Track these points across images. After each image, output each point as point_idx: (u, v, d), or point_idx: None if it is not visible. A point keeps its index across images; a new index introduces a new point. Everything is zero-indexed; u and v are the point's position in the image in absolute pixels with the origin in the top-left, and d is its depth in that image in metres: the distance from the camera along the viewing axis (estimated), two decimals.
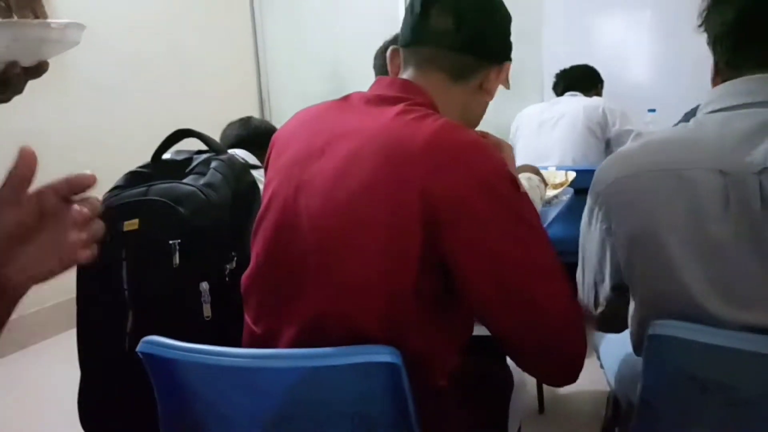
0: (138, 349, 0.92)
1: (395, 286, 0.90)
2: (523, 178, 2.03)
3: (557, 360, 0.96)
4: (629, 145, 1.11)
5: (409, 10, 1.05)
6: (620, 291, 1.07)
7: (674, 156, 0.97)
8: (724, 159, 0.92)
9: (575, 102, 2.97)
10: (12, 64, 0.83)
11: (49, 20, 0.84)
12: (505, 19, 1.08)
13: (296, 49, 4.42)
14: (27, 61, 0.85)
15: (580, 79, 3.13)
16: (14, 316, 0.66)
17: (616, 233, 1.01)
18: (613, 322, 1.14)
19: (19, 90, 0.89)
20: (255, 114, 4.33)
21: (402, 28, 1.07)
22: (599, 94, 3.17)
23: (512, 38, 1.08)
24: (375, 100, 1.00)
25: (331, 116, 1.03)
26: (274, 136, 1.10)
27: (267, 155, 1.10)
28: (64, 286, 0.98)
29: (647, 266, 0.99)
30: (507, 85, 1.10)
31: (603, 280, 1.09)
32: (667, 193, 0.94)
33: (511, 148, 1.21)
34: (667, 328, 0.90)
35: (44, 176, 0.65)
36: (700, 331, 0.88)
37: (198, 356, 0.90)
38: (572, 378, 0.98)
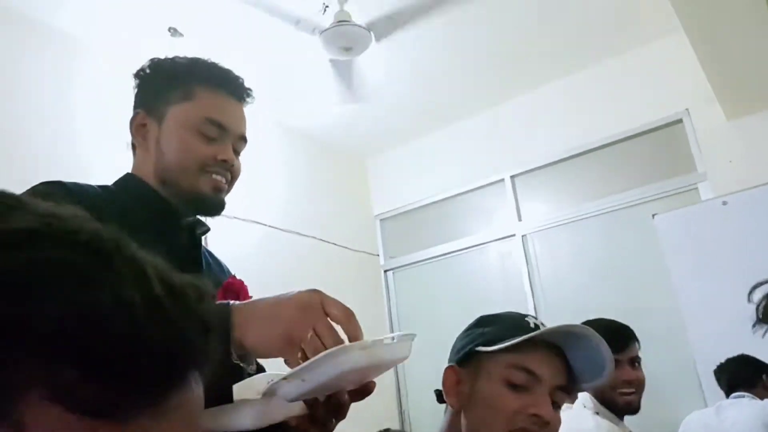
0: None
1: None
2: None
3: None
4: None
5: None
6: None
7: None
8: None
9: (745, 408, 2.59)
10: (341, 392, 0.71)
11: (384, 338, 0.70)
12: None
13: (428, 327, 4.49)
14: (353, 385, 0.73)
15: (739, 374, 2.76)
16: None
17: None
18: None
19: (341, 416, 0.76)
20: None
21: None
22: None
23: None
24: None
25: None
26: None
27: None
28: None
29: None
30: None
31: None
32: None
33: None
34: None
35: None
36: None
37: None
38: None
